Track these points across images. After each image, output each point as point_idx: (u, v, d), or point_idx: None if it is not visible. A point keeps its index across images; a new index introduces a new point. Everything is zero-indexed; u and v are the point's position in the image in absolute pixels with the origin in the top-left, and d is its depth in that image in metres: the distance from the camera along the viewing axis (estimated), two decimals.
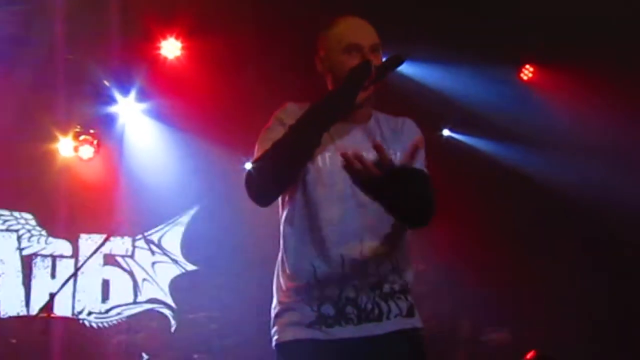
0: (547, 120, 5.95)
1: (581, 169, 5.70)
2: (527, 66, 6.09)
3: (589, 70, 5.46)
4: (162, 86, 5.65)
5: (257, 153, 2.20)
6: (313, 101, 2.30)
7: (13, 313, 5.53)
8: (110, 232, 5.05)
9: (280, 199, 2.28)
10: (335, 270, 2.15)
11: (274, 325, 2.25)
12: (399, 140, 2.32)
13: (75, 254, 5.84)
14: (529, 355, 4.10)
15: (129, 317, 5.82)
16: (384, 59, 2.26)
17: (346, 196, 2.19)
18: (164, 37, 5.51)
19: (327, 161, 2.21)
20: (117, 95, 5.74)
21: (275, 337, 2.23)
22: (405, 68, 5.97)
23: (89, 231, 5.75)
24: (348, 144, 2.24)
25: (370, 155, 2.21)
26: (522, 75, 6.11)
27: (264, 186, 2.15)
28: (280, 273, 2.27)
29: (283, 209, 2.28)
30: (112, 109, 5.83)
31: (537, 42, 5.71)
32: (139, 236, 5.98)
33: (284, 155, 2.12)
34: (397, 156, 2.27)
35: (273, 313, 2.26)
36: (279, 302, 2.25)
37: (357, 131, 2.29)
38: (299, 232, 2.21)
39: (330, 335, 2.14)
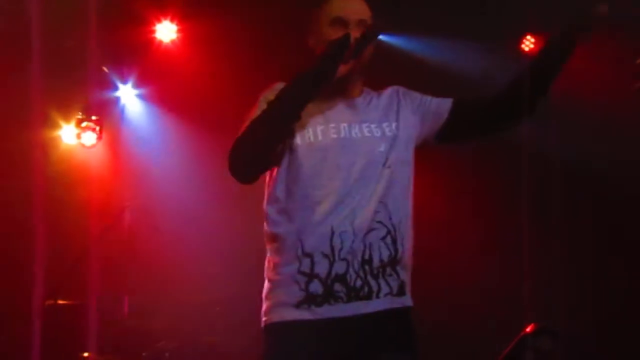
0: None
1: (583, 141, 5.64)
2: (528, 37, 5.98)
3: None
4: (159, 70, 5.63)
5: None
6: None
7: None
8: (113, 220, 5.09)
9: (267, 176, 2.27)
10: (323, 243, 2.14)
11: (263, 305, 2.25)
12: (393, 110, 2.33)
13: None
14: (528, 328, 4.08)
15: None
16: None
17: (339, 169, 2.18)
18: (159, 20, 5.48)
19: (319, 134, 2.21)
20: (116, 81, 5.73)
21: (264, 319, 2.23)
22: (405, 43, 5.98)
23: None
24: (340, 117, 2.25)
25: (359, 129, 2.22)
26: (523, 46, 6.01)
27: (243, 162, 2.16)
28: (269, 249, 2.26)
29: (269, 186, 2.27)
30: (112, 94, 5.82)
31: (537, 11, 5.62)
32: None
33: (262, 129, 2.13)
34: (384, 129, 2.26)
35: (263, 292, 2.26)
36: (268, 280, 2.25)
37: (349, 106, 2.29)
38: (286, 207, 2.20)
39: (318, 314, 2.14)
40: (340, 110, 2.27)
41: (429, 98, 2.39)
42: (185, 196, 5.87)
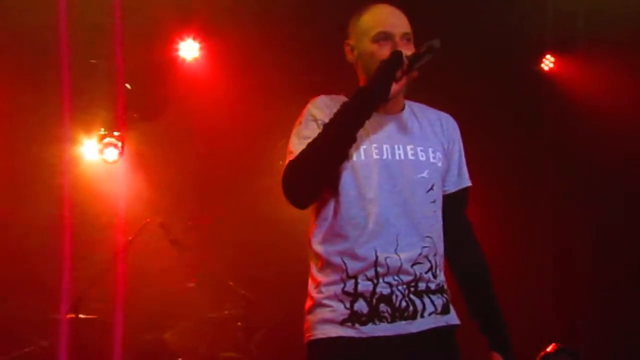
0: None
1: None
2: (548, 56, 5.99)
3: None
4: (182, 88, 5.67)
5: (290, 151, 2.20)
6: (344, 92, 2.29)
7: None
8: (134, 236, 5.12)
9: None
10: (368, 267, 2.16)
11: (306, 322, 2.26)
12: (437, 139, 2.32)
13: None
14: (549, 349, 4.07)
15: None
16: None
17: (382, 190, 2.19)
18: (182, 38, 5.54)
19: (362, 154, 2.19)
20: (139, 98, 5.76)
21: (307, 335, 2.24)
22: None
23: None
24: (383, 136, 2.23)
25: (403, 150, 2.23)
26: (542, 65, 6.02)
27: (300, 188, 2.15)
28: (313, 268, 2.27)
29: (316, 206, 2.27)
30: (135, 112, 5.85)
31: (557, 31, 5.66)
32: None
33: (319, 156, 2.11)
34: (429, 154, 2.27)
35: (306, 308, 2.27)
36: (311, 298, 2.25)
37: (392, 123, 2.27)
38: (331, 227, 2.21)
39: (363, 333, 2.15)
40: (383, 128, 2.24)
41: (456, 161, 2.36)
42: (205, 211, 5.89)
